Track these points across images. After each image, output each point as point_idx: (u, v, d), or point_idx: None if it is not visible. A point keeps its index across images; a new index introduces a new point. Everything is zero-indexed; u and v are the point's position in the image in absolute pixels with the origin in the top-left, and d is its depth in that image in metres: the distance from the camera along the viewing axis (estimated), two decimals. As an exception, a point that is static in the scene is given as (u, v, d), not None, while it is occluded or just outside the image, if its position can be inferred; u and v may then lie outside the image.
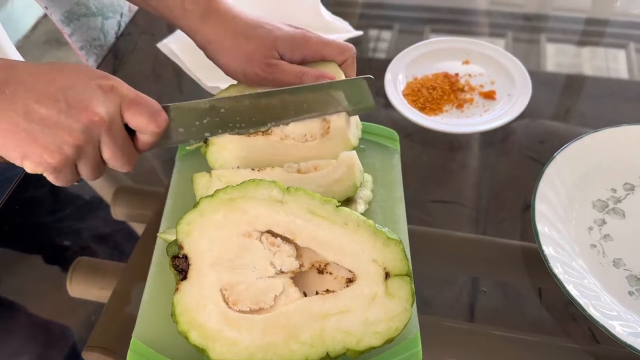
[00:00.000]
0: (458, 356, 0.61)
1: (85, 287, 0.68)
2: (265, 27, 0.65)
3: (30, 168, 0.54)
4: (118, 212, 0.76)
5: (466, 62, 0.90)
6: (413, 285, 0.52)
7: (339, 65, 0.67)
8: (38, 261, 0.72)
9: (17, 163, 0.54)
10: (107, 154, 0.56)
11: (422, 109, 0.82)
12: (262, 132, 0.65)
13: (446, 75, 0.87)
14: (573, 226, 0.67)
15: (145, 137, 0.58)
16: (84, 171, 0.57)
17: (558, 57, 0.97)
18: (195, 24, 0.66)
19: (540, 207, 0.66)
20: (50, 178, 0.56)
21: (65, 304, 0.67)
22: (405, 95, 0.85)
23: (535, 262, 0.65)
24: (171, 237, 0.58)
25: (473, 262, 0.68)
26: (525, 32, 1.02)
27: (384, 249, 0.52)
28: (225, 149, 0.64)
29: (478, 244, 0.70)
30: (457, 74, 0.88)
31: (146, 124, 0.57)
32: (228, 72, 0.68)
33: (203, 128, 0.63)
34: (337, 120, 0.64)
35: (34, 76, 0.52)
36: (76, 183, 0.59)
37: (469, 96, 0.84)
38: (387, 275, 0.52)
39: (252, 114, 0.64)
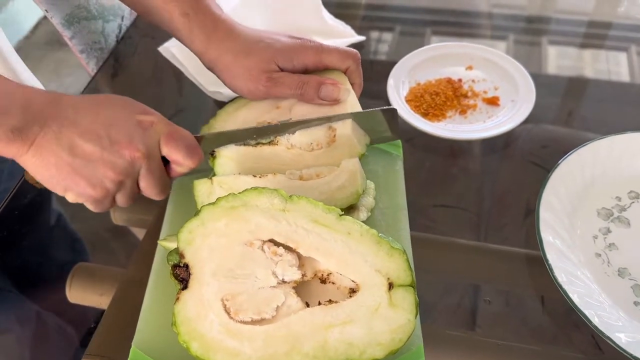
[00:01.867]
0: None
1: (85, 293, 0.68)
2: (264, 42, 0.67)
3: (72, 199, 0.58)
4: (118, 217, 0.76)
5: (469, 68, 0.89)
6: (417, 295, 0.51)
7: (344, 72, 0.68)
8: (37, 267, 0.72)
9: (60, 193, 0.57)
10: (144, 184, 0.59)
11: (425, 114, 0.82)
12: (269, 142, 0.66)
13: (449, 81, 0.86)
14: (577, 235, 0.66)
15: (180, 168, 0.61)
16: (121, 200, 0.60)
17: (559, 60, 0.97)
18: (202, 47, 0.68)
19: (545, 216, 0.65)
20: (90, 207, 0.59)
21: (64, 310, 0.67)
22: (408, 100, 0.84)
23: (538, 269, 0.64)
24: (172, 245, 0.58)
25: (475, 269, 0.68)
26: (527, 35, 1.02)
27: (388, 259, 0.52)
28: (232, 160, 0.64)
29: (480, 251, 0.69)
30: (460, 80, 0.87)
31: (183, 160, 0.60)
32: (235, 90, 0.69)
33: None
34: (343, 127, 0.64)
35: (78, 110, 0.55)
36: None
37: (472, 102, 0.84)
38: (390, 285, 0.51)
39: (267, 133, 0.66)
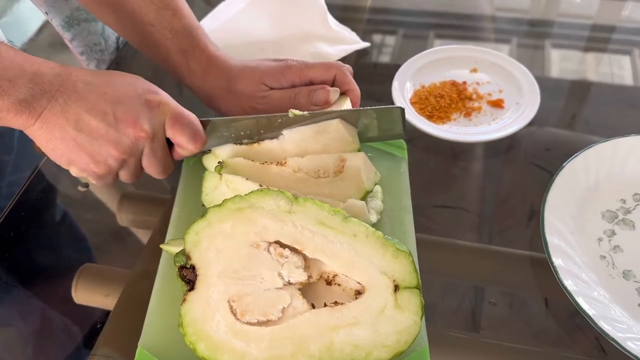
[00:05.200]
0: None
1: (91, 294, 0.68)
2: (249, 67, 0.70)
3: (75, 173, 0.59)
4: (124, 219, 0.76)
5: (474, 70, 0.89)
6: (422, 297, 0.51)
7: (332, 84, 0.70)
8: (43, 268, 0.72)
9: (64, 166, 0.58)
10: (146, 163, 0.60)
11: (429, 117, 0.82)
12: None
13: (454, 84, 0.87)
14: (582, 237, 0.67)
15: (183, 151, 0.62)
16: (124, 176, 0.61)
17: (562, 63, 0.97)
18: (199, 82, 0.71)
19: (550, 218, 0.65)
20: (92, 181, 0.60)
21: (70, 311, 0.67)
22: (413, 103, 0.84)
23: (542, 271, 0.64)
24: (175, 249, 0.58)
25: (479, 271, 0.68)
26: (530, 38, 1.02)
27: (393, 261, 0.52)
28: (240, 175, 0.63)
29: (484, 253, 0.69)
30: (465, 82, 0.87)
31: (186, 143, 0.61)
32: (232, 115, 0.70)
33: (230, 137, 0.66)
34: (353, 159, 0.63)
35: (88, 86, 0.55)
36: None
37: (477, 104, 0.84)
38: (396, 287, 0.51)
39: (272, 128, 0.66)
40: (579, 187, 0.70)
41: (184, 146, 0.61)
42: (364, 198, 0.62)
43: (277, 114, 0.65)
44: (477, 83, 0.87)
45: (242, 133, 0.66)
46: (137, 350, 0.55)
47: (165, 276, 0.61)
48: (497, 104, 0.83)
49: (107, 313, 0.64)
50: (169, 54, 0.70)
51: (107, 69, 0.98)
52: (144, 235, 0.74)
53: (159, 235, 0.69)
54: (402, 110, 0.66)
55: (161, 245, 0.62)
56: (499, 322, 0.63)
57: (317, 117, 0.65)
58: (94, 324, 0.64)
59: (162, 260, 0.63)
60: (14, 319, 0.68)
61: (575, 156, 0.71)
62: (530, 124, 0.80)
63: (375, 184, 0.63)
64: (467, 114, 0.83)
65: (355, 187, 0.62)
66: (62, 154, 0.56)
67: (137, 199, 0.79)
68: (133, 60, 1.00)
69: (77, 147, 0.55)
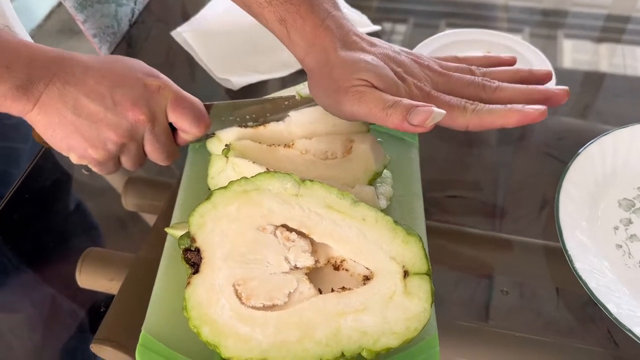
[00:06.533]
0: (475, 357, 0.59)
1: (95, 278, 0.67)
2: (361, 56, 0.57)
3: (74, 159, 0.58)
4: (129, 203, 0.75)
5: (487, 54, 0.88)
6: (432, 284, 0.50)
7: None
8: (47, 251, 0.71)
9: (64, 153, 0.58)
10: (149, 148, 0.59)
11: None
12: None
13: (466, 68, 0.85)
14: (598, 226, 0.65)
15: (186, 135, 0.61)
16: (126, 163, 0.60)
17: (575, 54, 0.95)
18: (302, 55, 0.59)
19: (565, 206, 0.64)
20: (94, 168, 0.60)
21: (74, 295, 0.66)
22: (424, 88, 0.83)
23: (555, 261, 0.63)
24: (179, 233, 0.57)
25: (490, 260, 0.67)
26: (543, 28, 1.01)
27: (403, 246, 0.50)
28: (247, 157, 0.62)
29: (495, 241, 0.68)
30: (477, 67, 0.86)
31: (189, 127, 0.59)
32: (318, 102, 0.61)
33: (235, 121, 0.65)
34: (362, 140, 0.61)
35: (87, 70, 0.55)
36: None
37: (490, 89, 0.82)
38: (405, 273, 0.50)
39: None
40: (595, 174, 0.68)
41: (187, 130, 0.60)
42: (373, 180, 0.61)
43: (282, 96, 0.63)
44: (491, 68, 0.86)
45: (247, 116, 0.64)
46: (141, 334, 0.55)
47: (170, 260, 0.60)
48: (511, 90, 0.82)
49: (111, 297, 0.64)
50: (269, 24, 0.60)
51: (117, 47, 0.97)
52: (149, 220, 0.73)
53: (164, 219, 0.68)
54: None
55: (166, 229, 0.61)
56: (510, 312, 0.61)
57: None
58: (97, 308, 0.64)
59: (167, 244, 0.62)
60: (17, 302, 0.67)
61: (591, 143, 0.70)
62: (544, 112, 0.78)
63: (385, 167, 0.62)
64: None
65: (363, 168, 0.60)
66: (61, 139, 0.56)
67: (142, 183, 0.78)
68: (145, 42, 1.00)
69: (76, 131, 0.55)
